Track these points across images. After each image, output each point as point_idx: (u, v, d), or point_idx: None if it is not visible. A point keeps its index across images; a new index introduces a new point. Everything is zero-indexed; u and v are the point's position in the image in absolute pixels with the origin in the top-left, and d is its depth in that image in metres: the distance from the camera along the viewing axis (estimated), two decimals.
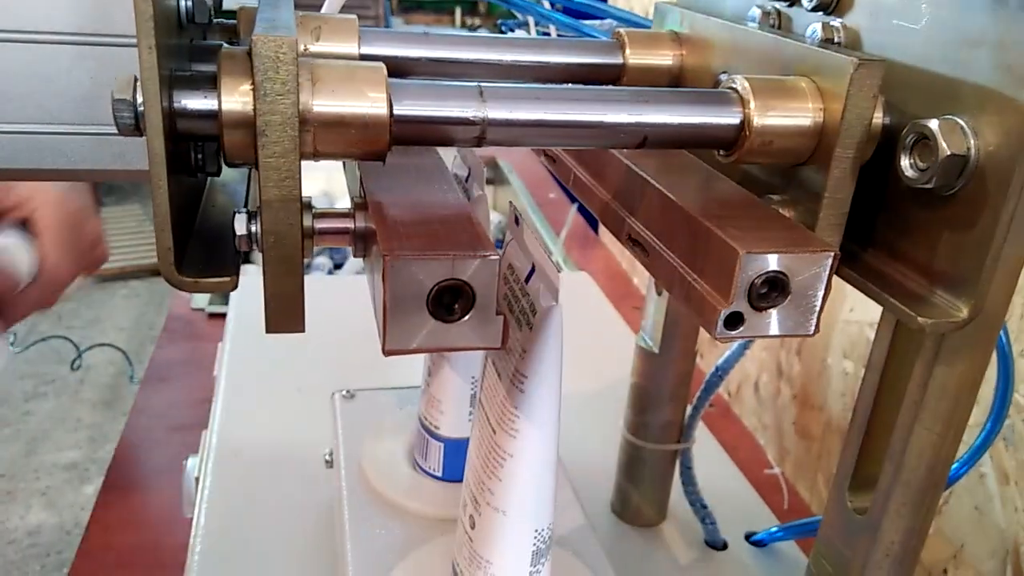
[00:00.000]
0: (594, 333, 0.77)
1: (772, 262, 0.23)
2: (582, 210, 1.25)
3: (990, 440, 0.38)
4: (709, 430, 0.67)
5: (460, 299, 0.22)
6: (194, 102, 0.23)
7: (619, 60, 0.36)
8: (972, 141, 0.25)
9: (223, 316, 0.98)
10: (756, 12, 0.35)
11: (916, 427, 0.28)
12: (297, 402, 0.61)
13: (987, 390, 0.33)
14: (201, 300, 1.01)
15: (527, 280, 0.28)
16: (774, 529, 0.52)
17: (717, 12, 0.37)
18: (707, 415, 0.68)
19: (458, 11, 4.08)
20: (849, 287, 0.29)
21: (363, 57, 0.33)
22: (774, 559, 0.52)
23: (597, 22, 0.46)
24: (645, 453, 0.51)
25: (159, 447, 0.73)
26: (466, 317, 0.22)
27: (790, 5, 0.33)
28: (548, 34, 0.50)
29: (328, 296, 0.74)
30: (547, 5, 0.50)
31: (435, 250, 0.22)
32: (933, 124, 0.25)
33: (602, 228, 1.33)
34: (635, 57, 0.36)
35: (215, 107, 0.23)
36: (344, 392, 0.50)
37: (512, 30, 0.52)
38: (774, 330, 0.24)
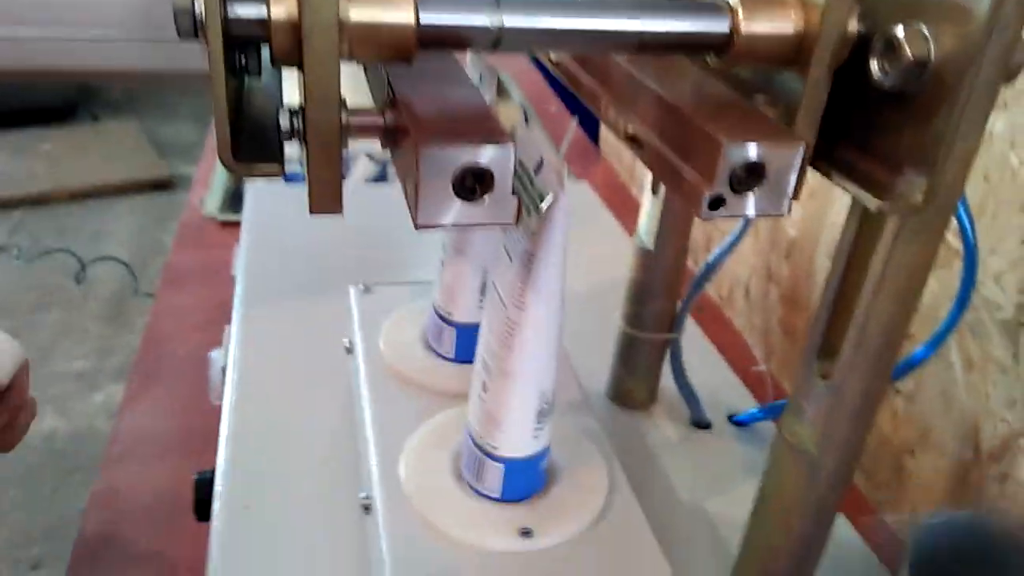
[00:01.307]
0: (593, 237, 0.81)
1: (751, 151, 0.27)
2: (582, 123, 1.28)
3: (951, 327, 0.42)
4: (702, 331, 0.71)
5: (480, 181, 0.26)
6: (246, 10, 0.26)
7: None
8: (932, 46, 0.28)
9: (233, 224, 1.01)
10: None
11: (876, 301, 0.32)
12: (314, 297, 0.65)
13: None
14: (212, 208, 1.04)
15: (536, 171, 0.31)
16: (755, 410, 0.57)
17: None
18: (700, 318, 0.72)
19: None
20: (838, 191, 0.32)
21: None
22: (755, 437, 0.57)
23: None
24: (639, 342, 0.56)
25: (181, 344, 0.77)
26: (485, 197, 0.26)
27: None
28: None
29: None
30: None
31: (459, 139, 0.25)
32: (899, 31, 0.28)
33: (602, 141, 1.36)
34: None
35: (265, 14, 0.26)
36: (361, 285, 0.54)
37: None
38: (751, 210, 0.28)
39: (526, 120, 0.34)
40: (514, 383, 0.34)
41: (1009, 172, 0.53)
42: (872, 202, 0.29)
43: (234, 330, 0.61)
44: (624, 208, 1.04)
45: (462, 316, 0.46)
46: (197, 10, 0.26)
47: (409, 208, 0.27)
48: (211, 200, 1.07)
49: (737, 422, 0.57)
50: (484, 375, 0.36)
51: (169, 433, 0.66)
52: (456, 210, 0.26)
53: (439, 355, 0.48)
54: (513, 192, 0.26)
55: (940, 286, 0.59)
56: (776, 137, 0.27)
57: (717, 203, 0.28)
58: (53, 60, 0.28)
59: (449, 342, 0.47)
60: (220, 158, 0.27)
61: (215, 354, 0.64)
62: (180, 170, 3.27)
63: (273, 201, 0.81)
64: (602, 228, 0.84)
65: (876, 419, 0.64)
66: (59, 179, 3.10)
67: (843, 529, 0.52)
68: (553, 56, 0.44)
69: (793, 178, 0.28)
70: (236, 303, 0.64)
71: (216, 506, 0.47)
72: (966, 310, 0.43)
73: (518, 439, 0.36)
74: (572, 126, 1.27)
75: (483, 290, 0.46)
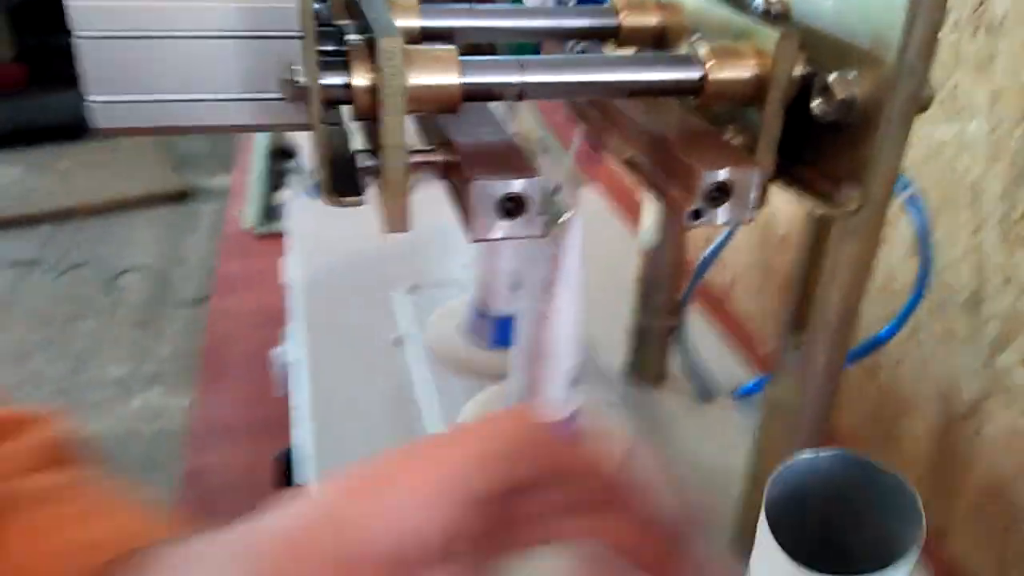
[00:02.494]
0: (601, 236, 0.89)
1: (720, 175, 0.36)
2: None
3: (910, 311, 0.51)
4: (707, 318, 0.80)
5: (516, 205, 0.34)
6: (335, 80, 0.35)
7: (615, 21, 0.47)
8: (856, 89, 0.37)
9: (269, 236, 1.11)
10: None
11: (831, 286, 0.41)
12: (358, 298, 0.74)
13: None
14: (250, 221, 1.13)
15: (556, 191, 0.40)
16: (752, 383, 0.66)
17: None
18: (704, 308, 0.81)
19: None
20: None
21: (423, 29, 0.45)
22: (755, 407, 0.65)
23: None
24: (648, 328, 0.64)
25: (239, 344, 0.86)
26: (520, 216, 0.35)
27: None
28: None
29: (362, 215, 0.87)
30: None
31: (499, 174, 0.34)
32: (831, 77, 0.37)
33: None
34: (628, 19, 0.47)
35: (348, 82, 0.34)
36: (405, 287, 0.63)
37: None
38: (723, 219, 0.37)
39: (547, 148, 0.43)
40: (548, 360, 0.43)
41: (958, 174, 0.61)
42: (819, 208, 0.38)
43: (294, 330, 0.70)
44: (630, 208, 1.13)
45: (496, 308, 0.55)
46: (298, 81, 0.34)
47: (461, 226, 0.35)
48: (249, 213, 1.16)
49: (740, 394, 0.66)
50: (523, 355, 0.45)
51: (239, 422, 0.75)
52: (499, 227, 0.35)
53: (477, 343, 0.56)
54: (540, 212, 0.35)
55: (909, 274, 0.68)
56: (739, 163, 0.36)
57: (696, 215, 0.36)
58: (182, 119, 0.37)
59: (485, 332, 0.55)
60: (322, 195, 0.36)
61: (277, 351, 0.72)
62: (195, 182, 3.38)
63: (312, 214, 0.90)
64: (608, 227, 0.93)
65: (864, 392, 0.73)
66: (80, 195, 3.20)
67: None
68: None
69: (753, 194, 0.36)
70: (293, 306, 0.73)
71: (295, 482, 0.56)
72: (923, 295, 0.51)
73: (552, 406, 0.45)
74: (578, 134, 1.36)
75: (512, 287, 0.54)
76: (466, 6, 0.46)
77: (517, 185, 0.34)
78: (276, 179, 1.40)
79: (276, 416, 0.74)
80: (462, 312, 0.58)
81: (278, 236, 1.10)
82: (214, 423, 0.76)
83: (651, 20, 0.48)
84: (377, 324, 0.68)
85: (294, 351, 0.68)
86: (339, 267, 0.78)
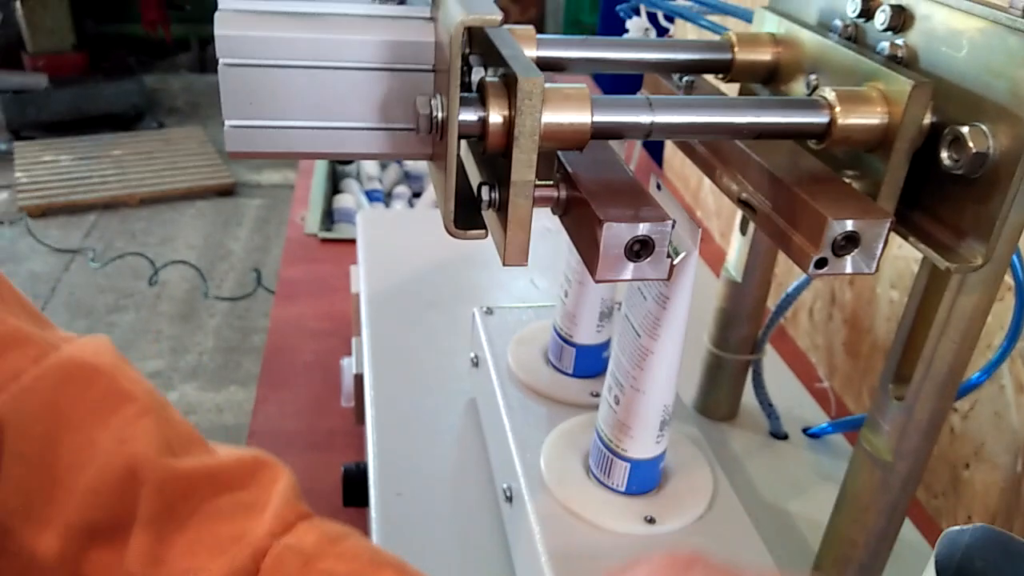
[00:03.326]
0: None
1: (848, 225, 0.35)
2: (647, 145, 1.36)
3: (1004, 356, 0.50)
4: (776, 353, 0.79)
5: (644, 248, 0.34)
6: (470, 115, 0.35)
7: (728, 56, 0.47)
8: (991, 142, 0.36)
9: (333, 241, 1.11)
10: (838, 23, 0.45)
11: (942, 339, 0.40)
12: (431, 312, 0.75)
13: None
14: (313, 226, 1.14)
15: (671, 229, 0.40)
16: (826, 424, 0.65)
17: (805, 17, 0.48)
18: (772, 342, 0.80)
19: None
20: None
21: (539, 59, 0.45)
22: (826, 448, 0.64)
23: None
24: (725, 362, 0.64)
25: (301, 352, 0.87)
26: (647, 259, 0.34)
27: (865, 20, 0.44)
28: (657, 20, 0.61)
29: (428, 226, 0.87)
30: None
31: (631, 218, 0.34)
32: (964, 130, 0.36)
33: (665, 164, 1.44)
34: (742, 54, 0.47)
35: (485, 117, 0.34)
36: (484, 308, 0.63)
37: (629, 16, 0.62)
38: (848, 269, 0.36)
39: (659, 187, 0.43)
40: (644, 398, 0.43)
41: None
42: (941, 262, 0.38)
43: (365, 343, 0.70)
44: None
45: (582, 338, 0.54)
46: (435, 115, 0.34)
47: (587, 265, 0.35)
48: (311, 219, 1.17)
49: (811, 434, 0.65)
50: (616, 390, 0.44)
51: (301, 432, 0.76)
52: (625, 269, 0.34)
53: (559, 370, 0.56)
54: (668, 256, 0.35)
55: (993, 318, 0.67)
56: (868, 213, 0.36)
57: (821, 263, 0.36)
58: (313, 145, 0.38)
59: (569, 360, 0.55)
60: (445, 227, 0.36)
61: (346, 362, 0.73)
62: (244, 177, 3.42)
63: (382, 223, 0.91)
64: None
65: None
66: (129, 184, 3.25)
67: (908, 529, 0.59)
68: None
69: (881, 244, 0.36)
70: (364, 318, 0.74)
71: (372, 493, 0.56)
72: (1017, 341, 0.50)
73: (643, 444, 0.44)
74: (637, 147, 1.35)
75: (601, 317, 0.54)
76: (580, 38, 0.46)
77: (646, 228, 0.34)
78: (335, 184, 1.41)
79: (341, 427, 0.75)
80: (543, 337, 0.58)
81: (340, 241, 1.11)
82: (276, 432, 0.76)
83: (765, 56, 0.48)
84: (449, 340, 0.68)
85: (368, 363, 0.68)
86: (411, 279, 0.79)
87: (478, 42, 0.42)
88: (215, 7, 0.36)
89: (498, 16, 0.32)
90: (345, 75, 0.37)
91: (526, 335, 0.60)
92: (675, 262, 0.39)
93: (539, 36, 0.45)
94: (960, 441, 0.72)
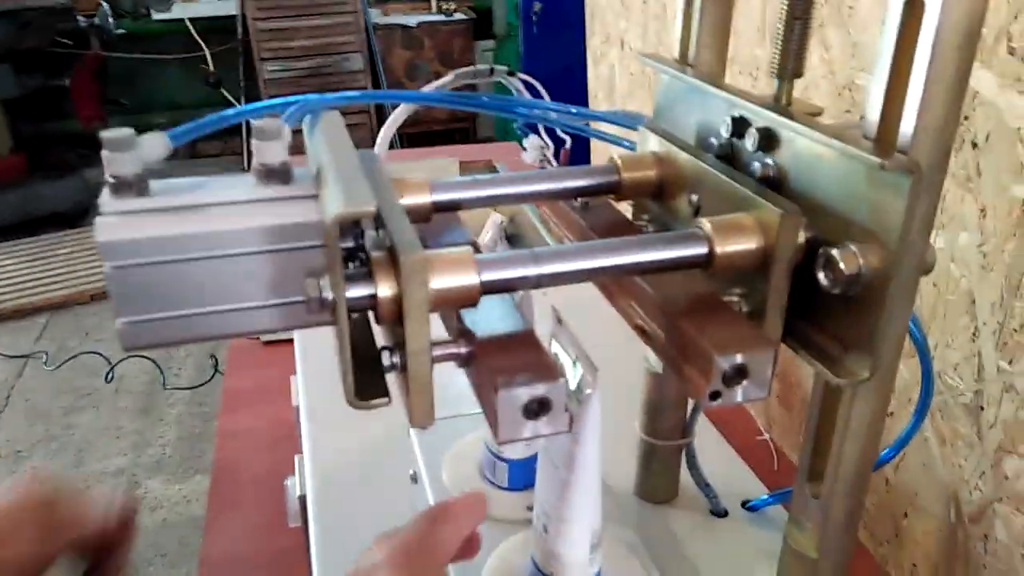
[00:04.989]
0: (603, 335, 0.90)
1: (737, 359, 0.37)
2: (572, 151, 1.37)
3: (913, 432, 0.52)
4: (708, 414, 0.81)
5: (542, 407, 0.35)
6: (360, 291, 0.36)
7: (616, 178, 0.49)
8: (861, 262, 0.38)
9: (276, 343, 1.11)
10: (713, 141, 0.48)
11: (845, 443, 0.42)
12: (372, 423, 0.75)
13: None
14: None
15: (574, 363, 0.41)
16: (765, 497, 0.66)
17: (683, 134, 0.50)
18: (712, 419, 0.81)
19: None
20: None
21: (434, 204, 0.46)
22: (766, 520, 0.66)
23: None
24: (658, 448, 0.65)
25: (250, 468, 0.87)
26: (545, 416, 0.36)
27: (739, 139, 0.46)
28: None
29: None
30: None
31: (527, 381, 0.35)
32: (835, 252, 0.38)
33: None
34: (628, 175, 0.49)
35: (373, 293, 0.36)
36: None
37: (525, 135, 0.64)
38: (740, 398, 0.38)
39: (560, 321, 0.44)
40: (571, 527, 0.44)
41: (953, 281, 0.63)
42: (831, 378, 0.39)
43: (307, 462, 0.70)
44: None
45: (511, 453, 0.55)
46: (324, 296, 0.35)
47: (490, 425, 0.36)
48: None
49: (750, 508, 0.66)
50: (544, 519, 0.45)
51: (255, 554, 0.75)
52: (525, 427, 0.36)
53: (493, 484, 0.57)
54: (566, 409, 0.36)
55: (910, 373, 0.69)
56: (754, 345, 0.37)
57: (715, 396, 0.37)
58: (209, 329, 0.38)
59: (502, 475, 0.56)
60: (347, 400, 0.37)
61: (289, 482, 0.73)
62: None
63: (318, 335, 0.91)
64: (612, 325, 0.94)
65: (873, 485, 0.74)
66: (78, 282, 3.21)
67: None
68: None
69: (770, 371, 0.37)
70: (303, 435, 0.74)
71: None
72: (924, 418, 0.52)
73: (577, 569, 0.45)
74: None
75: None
76: (471, 178, 0.47)
77: (542, 389, 0.35)
78: None
79: (292, 547, 0.74)
80: (477, 450, 0.59)
81: (283, 343, 1.11)
82: (229, 555, 0.75)
83: (650, 175, 0.49)
84: (391, 455, 0.68)
85: (310, 484, 0.69)
86: None
87: None
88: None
89: (371, 207, 0.34)
90: (236, 261, 0.37)
91: (460, 450, 0.60)
92: (580, 400, 0.40)
93: (431, 182, 0.46)
94: (895, 491, 0.74)
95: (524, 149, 0.63)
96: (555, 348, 0.44)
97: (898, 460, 0.72)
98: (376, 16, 3.99)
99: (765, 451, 0.90)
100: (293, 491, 0.72)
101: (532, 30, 3.21)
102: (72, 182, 3.67)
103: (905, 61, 0.35)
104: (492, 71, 0.52)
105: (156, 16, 3.98)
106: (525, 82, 0.57)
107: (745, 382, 0.37)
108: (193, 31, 3.91)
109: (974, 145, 0.59)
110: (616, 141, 0.55)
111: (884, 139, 0.36)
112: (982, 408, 0.62)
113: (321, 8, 3.75)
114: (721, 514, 0.66)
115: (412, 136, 3.95)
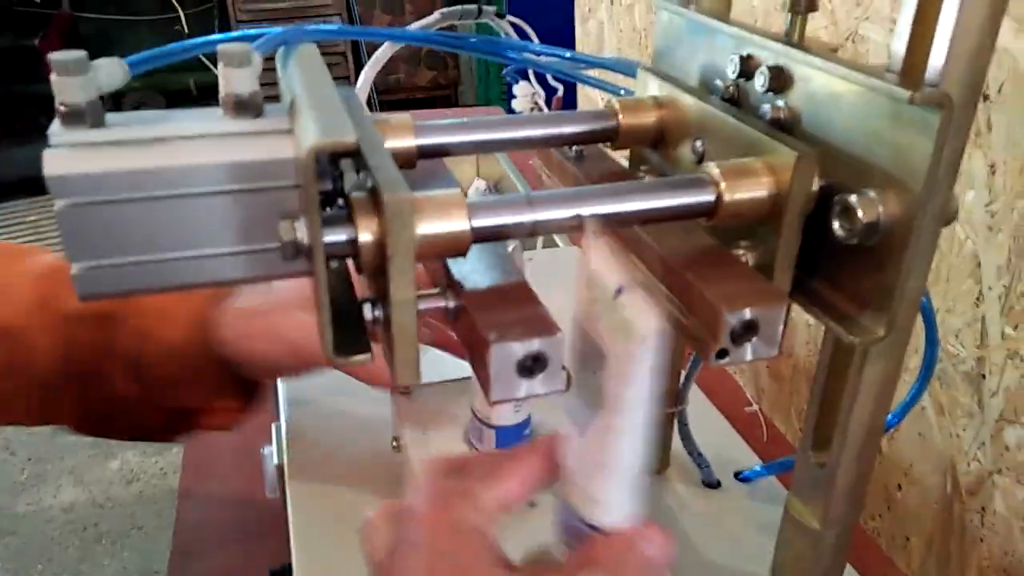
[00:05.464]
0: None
1: (746, 314, 0.34)
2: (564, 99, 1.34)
3: (915, 400, 0.49)
4: (698, 383, 0.78)
5: (537, 362, 0.32)
6: (338, 236, 0.33)
7: (614, 124, 0.46)
8: (880, 210, 0.35)
9: None
10: (719, 84, 0.44)
11: (854, 407, 0.39)
12: (353, 394, 0.72)
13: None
14: None
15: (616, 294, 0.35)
16: (758, 468, 0.64)
17: (686, 78, 0.47)
18: (703, 385, 0.79)
19: None
20: None
21: (420, 148, 0.43)
22: (759, 491, 0.63)
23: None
24: None
25: (226, 437, 0.83)
26: (541, 373, 0.33)
27: (746, 81, 0.43)
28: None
29: None
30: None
31: (521, 335, 0.32)
32: (853, 199, 0.35)
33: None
34: (626, 121, 0.46)
35: (354, 237, 0.32)
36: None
37: (515, 81, 0.61)
38: (749, 356, 0.35)
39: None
40: (615, 473, 0.38)
41: (957, 243, 0.60)
42: (845, 336, 0.36)
43: (284, 430, 0.67)
44: None
45: (499, 420, 0.53)
46: (299, 239, 0.32)
47: (480, 384, 0.33)
48: None
49: (743, 479, 0.64)
50: (579, 472, 0.40)
51: (227, 524, 0.72)
52: (519, 386, 0.33)
53: (480, 452, 0.54)
54: (563, 367, 0.33)
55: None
56: (764, 298, 0.34)
57: (722, 354, 0.34)
58: (174, 277, 0.35)
59: (490, 441, 0.53)
60: (326, 352, 0.34)
61: (267, 450, 0.70)
62: None
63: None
64: None
65: None
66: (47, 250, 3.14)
67: None
68: None
69: (780, 327, 0.35)
70: (281, 403, 0.71)
71: None
72: (928, 385, 0.50)
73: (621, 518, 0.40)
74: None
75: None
76: (459, 121, 0.44)
77: (538, 344, 0.32)
78: None
79: (268, 519, 0.72)
80: (464, 416, 0.56)
81: None
82: (202, 526, 0.72)
83: (650, 121, 0.46)
84: (372, 424, 0.65)
85: (287, 454, 0.66)
86: None
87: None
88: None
89: (351, 137, 0.30)
90: (201, 201, 0.34)
91: (446, 415, 0.58)
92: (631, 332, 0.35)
93: (417, 124, 0.43)
94: (889, 461, 0.72)
95: (514, 96, 0.60)
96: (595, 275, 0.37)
97: (892, 430, 0.70)
98: None
99: (755, 424, 0.88)
100: (270, 461, 0.69)
101: None
102: (42, 146, 3.56)
103: None
104: (480, 10, 0.48)
105: None
106: (514, 25, 0.54)
107: (755, 339, 0.35)
108: None
109: (985, 97, 0.56)
110: (613, 90, 0.52)
111: (911, 73, 0.33)
112: (984, 376, 0.60)
113: None
114: (714, 485, 0.64)
115: (392, 103, 3.89)
